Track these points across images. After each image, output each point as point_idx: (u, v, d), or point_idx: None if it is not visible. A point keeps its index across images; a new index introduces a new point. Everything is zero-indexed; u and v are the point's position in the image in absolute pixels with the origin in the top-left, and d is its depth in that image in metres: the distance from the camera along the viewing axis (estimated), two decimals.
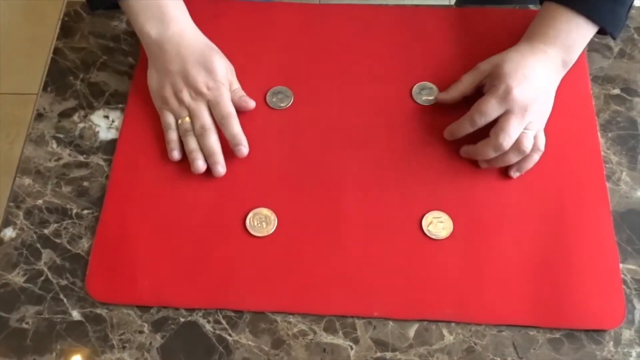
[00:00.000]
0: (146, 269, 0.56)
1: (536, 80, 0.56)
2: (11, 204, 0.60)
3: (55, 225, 0.58)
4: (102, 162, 0.62)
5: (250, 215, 0.58)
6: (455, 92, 0.61)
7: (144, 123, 0.63)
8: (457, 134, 0.59)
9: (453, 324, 0.53)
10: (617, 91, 0.64)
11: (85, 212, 0.59)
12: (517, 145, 0.56)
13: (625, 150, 0.61)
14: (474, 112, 0.57)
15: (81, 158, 0.62)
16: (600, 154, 0.60)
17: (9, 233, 0.58)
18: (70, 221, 0.59)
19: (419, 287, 0.54)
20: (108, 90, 0.66)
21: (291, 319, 0.54)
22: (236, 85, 0.63)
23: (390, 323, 0.54)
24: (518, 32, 0.64)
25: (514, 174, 0.58)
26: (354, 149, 0.61)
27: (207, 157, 0.59)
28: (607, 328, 0.53)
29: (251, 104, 0.62)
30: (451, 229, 0.57)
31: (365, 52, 0.66)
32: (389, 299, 0.54)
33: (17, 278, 0.56)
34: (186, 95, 0.60)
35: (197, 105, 0.60)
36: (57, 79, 0.67)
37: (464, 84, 0.61)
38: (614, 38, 0.60)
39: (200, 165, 0.58)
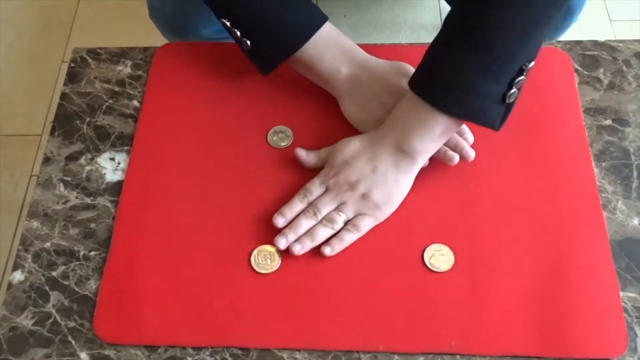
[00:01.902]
0: (153, 308, 0.56)
1: (358, 168, 0.58)
2: (20, 247, 0.61)
3: (63, 267, 0.59)
4: (108, 204, 0.63)
5: (254, 252, 0.59)
6: (310, 162, 0.62)
7: (150, 164, 0.64)
8: (289, 215, 0.58)
9: (458, 356, 0.54)
10: (608, 122, 0.66)
11: (93, 253, 0.60)
12: (323, 220, 0.58)
13: (619, 180, 0.62)
14: (302, 190, 0.60)
15: (88, 200, 0.63)
16: (596, 183, 0.61)
17: (18, 276, 0.59)
18: (77, 263, 0.60)
19: (423, 320, 0.55)
20: (114, 133, 0.67)
21: (297, 356, 0.54)
22: None
23: (396, 357, 0.54)
24: None
25: (324, 249, 0.57)
26: None
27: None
28: (610, 357, 0.53)
29: None
30: (452, 262, 0.58)
31: None
32: (394, 332, 0.55)
33: (25, 321, 0.57)
34: None
35: None
36: (63, 123, 0.69)
37: (318, 159, 0.62)
38: (494, 130, 0.57)
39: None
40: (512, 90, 0.55)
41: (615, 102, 0.67)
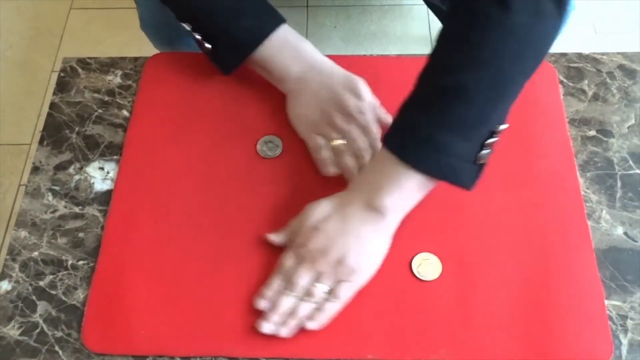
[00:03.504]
0: (141, 318, 0.56)
1: (329, 234, 0.55)
2: (7, 257, 0.60)
3: (51, 276, 0.59)
4: (97, 213, 0.63)
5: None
6: (283, 237, 0.59)
7: (139, 174, 0.64)
8: (270, 294, 0.56)
9: None
10: (593, 133, 0.67)
11: (81, 263, 0.60)
12: (307, 294, 0.55)
13: (604, 189, 0.63)
14: (276, 267, 0.57)
15: (77, 209, 0.63)
16: (581, 193, 0.62)
17: (5, 286, 0.59)
18: (65, 272, 0.59)
19: (411, 328, 0.55)
20: (103, 142, 0.68)
21: None
22: (379, 107, 0.65)
23: None
24: None
25: (307, 323, 0.54)
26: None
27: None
28: None
29: (389, 119, 0.64)
30: (440, 270, 0.58)
31: None
32: (383, 341, 0.55)
33: (12, 331, 0.56)
34: (338, 120, 0.62)
35: (349, 128, 0.62)
36: (53, 132, 0.69)
37: (291, 230, 0.59)
38: (466, 189, 0.55)
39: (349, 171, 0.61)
40: (485, 151, 0.54)
41: (600, 113, 0.68)
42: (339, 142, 0.62)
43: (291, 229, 0.59)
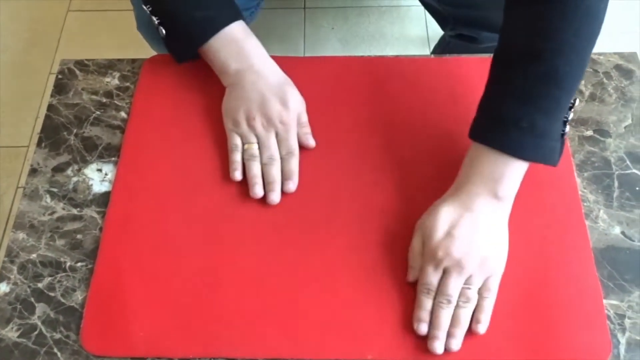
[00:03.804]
0: (140, 320, 0.56)
1: (464, 235, 0.56)
2: (5, 259, 0.60)
3: (49, 278, 0.59)
4: (95, 215, 0.63)
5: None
6: (417, 264, 0.58)
7: (137, 175, 0.64)
8: (425, 316, 0.56)
9: None
10: (590, 133, 0.67)
11: (79, 264, 0.60)
12: (458, 302, 0.56)
13: (601, 189, 0.63)
14: (420, 286, 0.57)
15: (75, 211, 0.63)
16: (578, 193, 0.62)
17: (3, 288, 0.59)
18: (64, 274, 0.59)
19: (411, 329, 0.55)
20: (101, 144, 0.68)
21: None
22: (304, 118, 0.66)
23: None
24: None
25: (476, 327, 0.55)
26: (345, 198, 0.63)
27: (267, 185, 0.63)
28: None
29: (312, 143, 0.65)
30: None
31: (347, 103, 0.69)
32: (382, 341, 0.55)
33: (10, 333, 0.56)
34: (258, 124, 0.64)
35: (267, 136, 0.64)
36: (50, 134, 0.69)
37: (417, 252, 0.58)
38: (553, 166, 0.58)
39: (259, 191, 0.62)
40: (567, 127, 0.59)
41: (597, 113, 0.69)
42: (252, 146, 0.64)
43: (415, 252, 0.58)
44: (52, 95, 0.71)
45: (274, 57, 0.73)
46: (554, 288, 0.57)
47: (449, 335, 0.55)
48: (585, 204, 0.62)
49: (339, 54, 1.40)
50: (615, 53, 0.73)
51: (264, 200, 0.62)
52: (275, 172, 0.63)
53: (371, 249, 0.60)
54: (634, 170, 0.64)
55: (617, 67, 0.72)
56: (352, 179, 0.64)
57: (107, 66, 0.73)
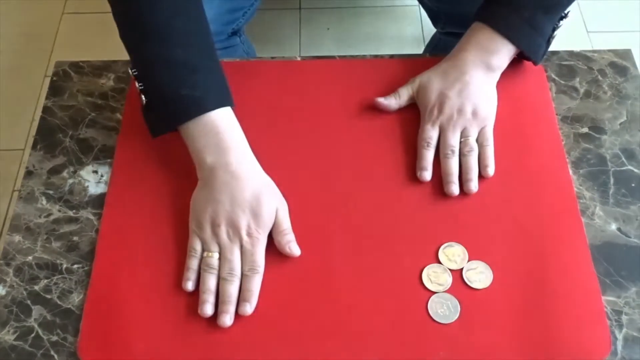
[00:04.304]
0: (138, 330, 0.55)
1: (457, 94, 0.64)
2: (1, 261, 0.60)
3: (46, 281, 0.59)
4: (91, 217, 0.63)
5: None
6: (393, 101, 0.68)
7: (132, 176, 0.64)
8: (427, 165, 0.64)
9: None
10: (585, 130, 0.67)
11: (76, 266, 0.60)
12: (461, 151, 0.64)
13: (597, 186, 0.63)
14: (421, 142, 0.65)
15: (71, 213, 0.63)
16: (574, 190, 0.63)
17: None
18: (60, 276, 0.59)
19: (412, 332, 0.55)
20: (97, 145, 0.67)
21: None
22: (285, 225, 0.59)
23: None
24: None
25: (485, 171, 0.63)
26: (343, 202, 0.63)
27: (221, 303, 0.56)
28: (595, 359, 0.54)
29: (296, 252, 0.58)
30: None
31: (344, 105, 0.69)
32: (382, 344, 0.55)
33: (7, 336, 0.56)
34: (223, 232, 0.58)
35: (231, 247, 0.57)
36: (46, 137, 0.68)
37: (401, 97, 0.68)
38: (534, 64, 0.67)
39: (209, 310, 0.55)
40: (556, 32, 0.67)
41: (592, 110, 0.69)
42: (212, 256, 0.57)
43: (401, 97, 0.67)
44: (47, 98, 0.71)
45: (269, 60, 0.72)
46: (552, 286, 0.57)
47: (466, 181, 0.62)
48: (581, 201, 0.62)
49: (334, 54, 1.40)
50: (609, 50, 0.73)
51: None
52: (233, 291, 0.56)
53: (370, 250, 0.59)
54: (630, 167, 0.65)
55: (612, 64, 0.72)
56: (350, 179, 0.64)
57: (102, 68, 0.73)
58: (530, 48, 0.65)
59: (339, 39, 1.46)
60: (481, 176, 0.63)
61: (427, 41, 1.19)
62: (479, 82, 0.65)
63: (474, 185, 0.62)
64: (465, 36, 0.67)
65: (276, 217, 0.59)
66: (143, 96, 0.62)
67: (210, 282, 0.56)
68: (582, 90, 0.70)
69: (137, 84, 0.62)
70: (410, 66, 0.72)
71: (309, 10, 1.50)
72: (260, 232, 0.58)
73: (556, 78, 0.71)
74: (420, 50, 1.42)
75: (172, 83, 0.60)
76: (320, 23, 1.48)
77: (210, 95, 0.61)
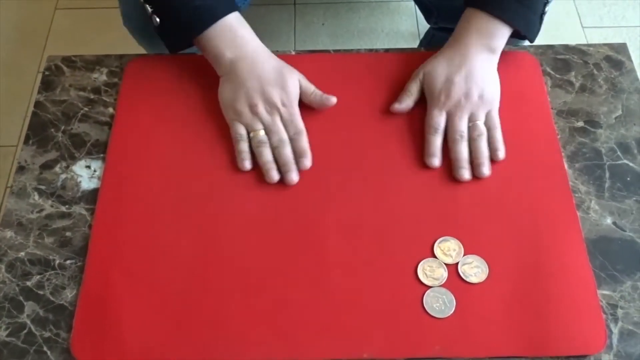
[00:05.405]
0: (131, 327, 0.55)
1: (463, 79, 0.64)
2: None
3: (38, 276, 0.58)
4: (84, 212, 0.62)
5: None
6: (409, 102, 0.67)
7: (126, 171, 0.64)
8: (436, 151, 0.64)
9: (441, 359, 0.54)
10: (580, 124, 0.67)
11: (69, 262, 0.59)
12: (471, 135, 0.64)
13: (592, 180, 0.63)
14: (428, 129, 0.65)
15: (63, 208, 0.62)
16: (569, 184, 0.62)
17: None
18: (53, 272, 0.59)
19: (407, 326, 0.55)
20: (89, 140, 0.67)
21: None
22: (312, 88, 0.67)
23: None
24: None
25: (496, 154, 0.63)
26: (338, 197, 0.63)
27: (282, 167, 0.63)
28: (591, 353, 0.54)
29: (333, 100, 0.67)
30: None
31: (339, 98, 0.68)
32: (378, 339, 0.55)
33: None
34: (262, 109, 0.64)
35: (273, 120, 0.64)
36: (38, 131, 0.68)
37: (413, 94, 0.67)
38: (530, 41, 0.68)
39: (275, 175, 0.62)
40: (547, 8, 0.68)
41: (587, 104, 0.69)
42: (259, 133, 0.64)
43: (411, 92, 0.67)
44: (39, 92, 0.71)
45: None
46: (547, 280, 0.57)
47: (478, 165, 0.63)
48: (576, 195, 0.62)
49: (329, 49, 1.40)
50: (605, 44, 0.73)
51: (255, 198, 0.62)
52: (288, 153, 0.63)
53: (365, 245, 0.59)
54: (625, 161, 0.65)
55: (607, 58, 0.72)
56: (345, 175, 0.64)
57: (95, 62, 0.72)
58: (525, 27, 0.66)
59: (333, 34, 1.45)
60: (492, 160, 0.63)
61: (422, 36, 1.19)
62: (483, 66, 0.65)
63: (486, 169, 0.62)
64: (461, 23, 0.68)
65: (301, 87, 0.66)
66: (156, 17, 0.66)
67: (267, 154, 0.63)
68: (577, 85, 0.70)
69: (148, 7, 0.66)
70: (406, 60, 0.71)
71: (303, 5, 1.49)
72: (293, 100, 0.65)
73: (551, 72, 0.71)
74: (415, 45, 1.42)
75: None
76: (315, 18, 1.47)
77: (221, 2, 0.66)
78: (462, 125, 0.64)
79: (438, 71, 0.66)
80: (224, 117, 0.66)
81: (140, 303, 0.56)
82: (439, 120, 0.64)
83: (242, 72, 0.65)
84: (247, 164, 0.63)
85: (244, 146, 0.64)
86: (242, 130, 0.64)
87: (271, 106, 0.64)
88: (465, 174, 0.62)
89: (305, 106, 0.67)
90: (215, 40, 0.65)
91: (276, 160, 0.63)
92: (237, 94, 0.65)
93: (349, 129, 0.67)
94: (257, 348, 0.54)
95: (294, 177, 0.62)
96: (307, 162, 0.63)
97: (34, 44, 1.47)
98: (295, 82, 0.66)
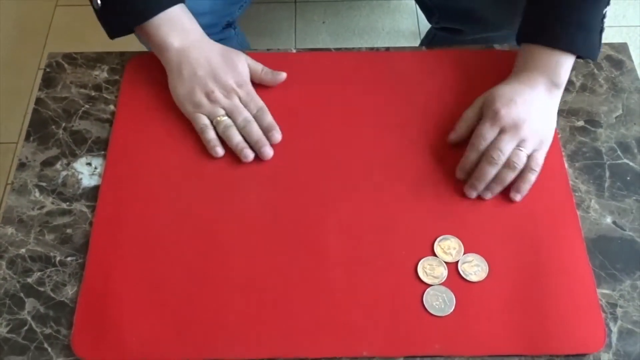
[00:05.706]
0: (132, 324, 0.55)
1: (524, 103, 0.61)
2: None
3: (39, 273, 0.58)
4: (85, 209, 0.62)
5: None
6: (463, 128, 0.64)
7: (126, 168, 0.64)
8: (469, 166, 0.61)
9: (440, 358, 0.54)
10: (581, 123, 0.67)
11: (69, 259, 0.59)
12: (508, 162, 0.60)
13: (592, 179, 0.63)
14: (474, 138, 0.62)
15: (64, 205, 0.62)
16: (569, 183, 0.63)
17: None
18: (53, 269, 0.59)
19: (407, 325, 0.55)
20: (90, 137, 0.67)
21: None
22: (260, 66, 0.67)
23: None
24: (484, 71, 0.67)
25: (514, 195, 0.61)
26: (338, 196, 0.63)
27: (255, 144, 0.63)
28: (590, 352, 0.54)
29: (283, 75, 0.67)
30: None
31: (340, 97, 0.68)
32: (377, 337, 0.55)
33: (0, 329, 0.56)
34: (219, 95, 0.64)
35: (233, 102, 0.65)
36: (39, 128, 0.68)
37: (468, 120, 0.64)
38: (593, 60, 0.67)
39: (250, 153, 0.63)
40: (604, 20, 0.64)
41: (587, 103, 0.69)
42: (223, 118, 0.64)
43: (477, 105, 0.64)
44: (40, 89, 0.71)
45: (264, 53, 0.73)
46: (547, 279, 0.57)
47: (488, 188, 0.60)
48: (576, 194, 0.62)
49: (330, 47, 1.40)
50: (605, 44, 0.73)
51: (256, 194, 0.62)
52: (257, 130, 0.64)
53: (365, 243, 0.59)
54: (625, 160, 0.65)
55: (608, 58, 0.72)
56: (346, 174, 0.64)
57: (96, 59, 0.72)
58: (588, 51, 0.64)
59: (334, 32, 1.45)
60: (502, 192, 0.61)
61: (422, 35, 1.19)
62: (548, 104, 0.63)
63: (490, 195, 0.61)
64: (520, 59, 0.65)
65: (250, 67, 0.67)
66: (98, 0, 0.64)
67: (235, 135, 0.64)
68: (578, 84, 0.70)
69: None
70: (407, 59, 0.71)
71: (304, 3, 1.49)
72: (246, 80, 0.66)
73: None
74: (415, 44, 1.42)
75: None
76: (316, 16, 1.47)
77: None
78: (506, 146, 0.60)
79: (502, 91, 0.63)
80: (183, 112, 0.66)
81: (140, 300, 0.56)
82: (488, 134, 0.61)
83: (192, 61, 0.65)
84: (220, 150, 0.63)
85: (211, 134, 0.64)
86: (205, 120, 0.64)
87: (227, 90, 0.65)
88: (472, 193, 0.61)
89: (304, 106, 0.67)
90: (163, 28, 0.65)
91: (246, 140, 0.64)
92: (191, 85, 0.64)
93: (349, 127, 0.67)
94: (257, 345, 0.54)
95: (268, 151, 0.63)
96: (278, 135, 0.64)
97: (35, 40, 1.47)
98: (243, 62, 0.66)
